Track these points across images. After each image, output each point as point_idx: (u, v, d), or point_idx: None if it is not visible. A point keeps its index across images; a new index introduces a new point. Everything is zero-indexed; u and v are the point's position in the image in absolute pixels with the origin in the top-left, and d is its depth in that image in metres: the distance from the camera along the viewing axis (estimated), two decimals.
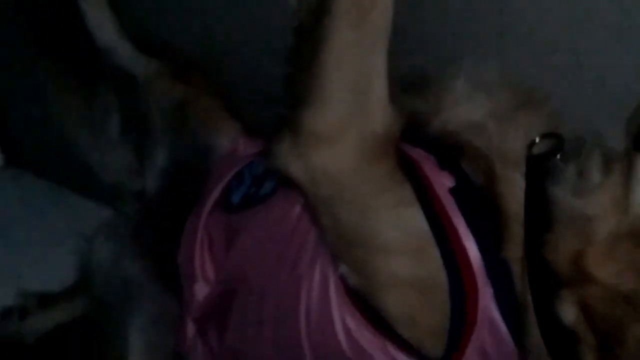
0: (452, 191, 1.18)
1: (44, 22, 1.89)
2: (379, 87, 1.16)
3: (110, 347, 1.68)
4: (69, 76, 1.91)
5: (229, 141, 1.67)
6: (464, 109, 1.27)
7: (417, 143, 1.25)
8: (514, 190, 1.16)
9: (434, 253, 1.15)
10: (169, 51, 1.81)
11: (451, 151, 1.23)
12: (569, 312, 1.08)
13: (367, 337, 1.24)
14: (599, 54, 1.25)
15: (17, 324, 1.98)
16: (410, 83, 1.29)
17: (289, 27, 1.35)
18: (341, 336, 1.25)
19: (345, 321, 1.25)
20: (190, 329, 1.59)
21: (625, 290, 1.02)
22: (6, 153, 2.52)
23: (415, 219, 1.16)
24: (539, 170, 1.15)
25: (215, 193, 1.54)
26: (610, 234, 1.04)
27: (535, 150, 1.18)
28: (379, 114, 1.16)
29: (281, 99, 1.27)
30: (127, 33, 1.83)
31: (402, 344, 1.22)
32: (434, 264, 1.15)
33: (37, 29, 1.91)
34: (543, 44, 1.31)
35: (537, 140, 1.19)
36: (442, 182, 1.19)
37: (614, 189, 1.06)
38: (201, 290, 1.54)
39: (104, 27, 1.81)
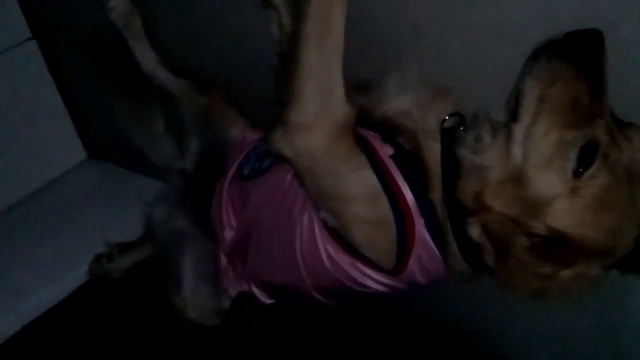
0: (392, 157, 1.19)
1: (111, 60, 1.88)
2: (339, 89, 1.16)
3: (171, 276, 1.69)
4: (128, 95, 1.89)
5: (239, 132, 1.67)
6: (396, 101, 1.28)
7: (367, 126, 1.26)
8: (433, 153, 1.18)
9: (383, 199, 1.17)
10: (193, 72, 1.80)
11: (390, 130, 1.24)
12: (475, 232, 1.12)
13: (343, 259, 1.26)
14: (485, 56, 1.26)
15: (106, 265, 1.99)
16: (359, 85, 1.29)
17: (274, 52, 1.36)
18: (325, 258, 1.28)
19: (327, 249, 1.27)
20: (223, 260, 1.60)
21: (510, 214, 1.05)
22: (87, 149, 2.51)
23: (369, 178, 1.18)
24: (449, 138, 1.17)
25: (233, 168, 1.55)
26: (499, 178, 1.07)
27: (446, 125, 1.20)
28: (340, 108, 1.16)
29: (272, 101, 1.27)
30: (164, 61, 1.82)
31: (367, 261, 1.24)
32: (383, 206, 1.17)
33: (106, 65, 1.90)
34: (448, 51, 1.31)
35: (447, 118, 1.21)
36: (385, 152, 1.20)
37: (500, 147, 1.08)
38: (228, 234, 1.55)
39: (147, 60, 1.79)
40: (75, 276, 2.02)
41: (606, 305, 1.33)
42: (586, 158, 0.98)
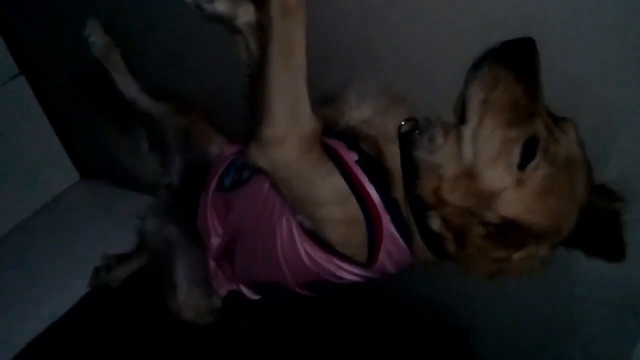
0: (358, 162, 1.20)
1: (95, 89, 1.85)
2: (305, 104, 1.15)
3: (165, 282, 1.66)
4: (113, 120, 1.87)
5: (218, 147, 1.66)
6: (357, 112, 1.28)
7: (333, 136, 1.26)
8: (394, 156, 1.18)
9: (352, 200, 1.17)
10: (172, 95, 1.77)
11: (353, 138, 1.25)
12: (435, 223, 1.12)
13: (320, 256, 1.26)
14: (434, 65, 1.26)
15: (105, 276, 1.95)
16: (323, 98, 1.29)
17: (245, 74, 1.35)
18: (304, 257, 1.27)
19: (305, 248, 1.27)
20: (212, 264, 1.58)
21: (466, 206, 1.06)
22: (80, 171, 2.46)
23: (339, 182, 1.18)
24: (407, 142, 1.18)
25: (215, 181, 1.53)
26: (453, 174, 1.08)
27: (403, 130, 1.20)
28: (307, 121, 1.16)
29: (246, 118, 1.26)
30: (144, 87, 1.79)
31: (342, 257, 1.24)
32: (353, 207, 1.17)
33: (91, 94, 1.87)
34: (401, 62, 1.31)
35: (403, 123, 1.21)
36: (351, 158, 1.20)
37: (452, 147, 1.09)
38: (215, 240, 1.53)
39: (128, 87, 1.77)
40: (77, 288, 1.97)
41: (556, 277, 1.35)
42: (528, 152, 1.00)
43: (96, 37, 1.71)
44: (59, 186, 2.41)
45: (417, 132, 1.18)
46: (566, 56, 1.07)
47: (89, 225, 2.20)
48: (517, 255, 1.04)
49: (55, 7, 1.86)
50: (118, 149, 1.91)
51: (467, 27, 1.15)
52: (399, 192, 1.17)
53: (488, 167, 1.02)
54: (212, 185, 1.53)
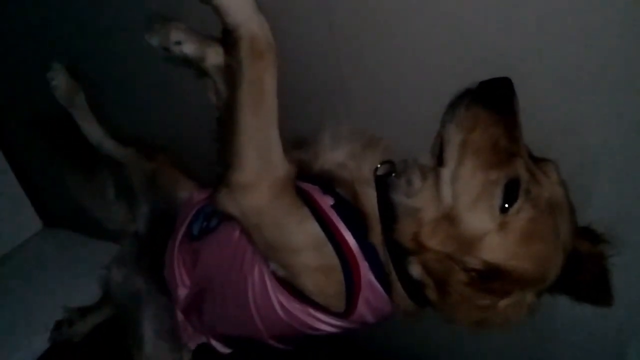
0: (333, 207, 1.15)
1: (59, 134, 1.79)
2: (276, 148, 1.10)
3: (131, 335, 1.57)
4: (78, 166, 1.81)
5: (187, 193, 1.58)
6: (332, 154, 1.24)
7: (307, 180, 1.21)
8: (370, 200, 1.14)
9: (328, 247, 1.11)
10: (138, 140, 1.72)
11: (328, 182, 1.20)
12: (415, 270, 1.07)
13: (294, 306, 1.20)
14: (408, 106, 1.23)
15: (67, 330, 1.87)
16: (296, 141, 1.25)
17: (214, 117, 1.30)
18: (278, 308, 1.21)
19: (279, 298, 1.20)
20: (180, 316, 1.50)
21: (447, 251, 1.01)
22: (43, 219, 2.40)
23: (313, 228, 1.12)
24: (383, 185, 1.14)
25: (182, 229, 1.46)
26: (433, 218, 1.03)
27: (379, 172, 1.17)
28: (279, 165, 1.11)
29: (215, 163, 1.20)
30: (109, 131, 1.74)
31: (318, 307, 1.18)
32: (329, 254, 1.12)
33: (54, 140, 1.82)
34: (374, 104, 1.28)
35: (379, 166, 1.17)
36: (326, 202, 1.15)
37: (430, 190, 1.05)
38: (182, 292, 1.45)
39: (93, 132, 1.71)
40: (37, 344, 1.89)
41: (540, 322, 1.31)
42: (510, 195, 0.96)
43: (59, 80, 1.66)
44: (20, 235, 2.36)
45: (393, 174, 1.14)
46: (546, 96, 1.05)
47: (52, 276, 2.14)
48: (503, 303, 1.00)
49: (20, 50, 1.82)
50: (83, 195, 1.85)
51: (443, 67, 1.13)
52: (376, 237, 1.12)
53: (469, 210, 0.99)
54: (180, 234, 1.46)
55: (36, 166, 2.18)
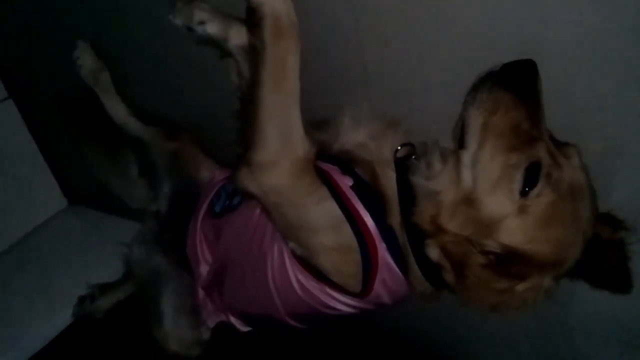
0: (352, 187, 1.15)
1: (83, 114, 1.82)
2: (298, 128, 1.11)
3: (151, 312, 1.59)
4: (102, 145, 1.83)
5: (208, 173, 1.61)
6: (352, 135, 1.23)
7: (326, 160, 1.21)
8: (389, 182, 1.14)
9: (346, 227, 1.12)
10: (162, 120, 1.74)
11: (348, 162, 1.20)
12: (433, 253, 1.07)
13: (312, 285, 1.20)
14: (430, 88, 1.22)
15: (89, 305, 1.90)
16: (316, 122, 1.24)
17: (235, 96, 1.31)
18: (296, 286, 1.22)
19: (297, 276, 1.21)
20: (201, 293, 1.52)
21: (465, 234, 1.01)
22: (67, 197, 2.44)
23: (332, 208, 1.12)
24: (403, 167, 1.14)
25: (204, 207, 1.48)
26: (452, 201, 1.03)
27: (399, 155, 1.17)
28: (300, 145, 1.11)
29: (237, 142, 1.21)
30: (133, 111, 1.76)
31: (335, 286, 1.18)
32: (347, 234, 1.12)
33: (79, 119, 1.83)
34: (396, 86, 1.27)
35: (399, 148, 1.17)
36: (345, 183, 1.15)
37: (450, 173, 1.05)
38: (204, 269, 1.48)
39: (117, 112, 1.74)
40: (60, 318, 1.93)
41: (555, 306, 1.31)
42: (531, 178, 0.96)
43: (85, 59, 1.69)
44: (46, 212, 2.40)
45: (413, 157, 1.14)
46: (569, 80, 1.03)
47: (75, 253, 2.18)
48: (520, 287, 0.99)
49: (45, 30, 1.84)
50: (106, 174, 1.87)
51: (466, 50, 1.12)
52: (395, 219, 1.12)
53: (488, 193, 0.98)
54: (202, 211, 1.48)
55: (61, 145, 2.21)
